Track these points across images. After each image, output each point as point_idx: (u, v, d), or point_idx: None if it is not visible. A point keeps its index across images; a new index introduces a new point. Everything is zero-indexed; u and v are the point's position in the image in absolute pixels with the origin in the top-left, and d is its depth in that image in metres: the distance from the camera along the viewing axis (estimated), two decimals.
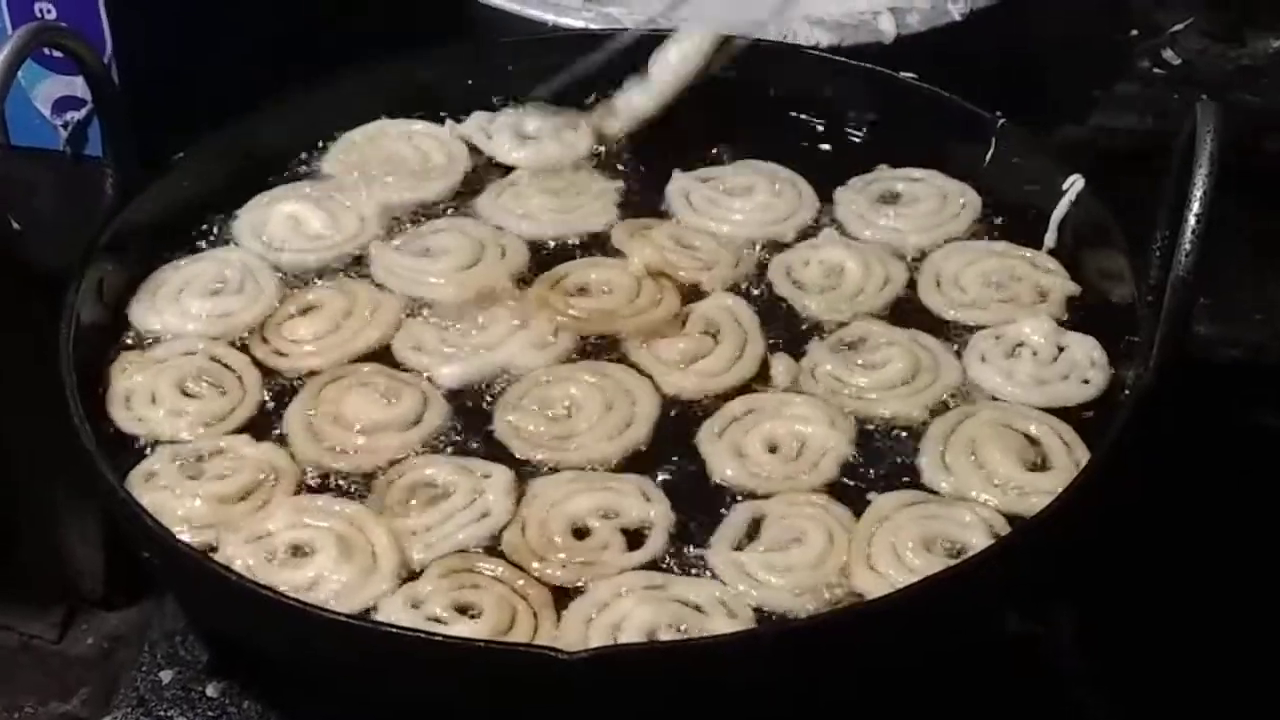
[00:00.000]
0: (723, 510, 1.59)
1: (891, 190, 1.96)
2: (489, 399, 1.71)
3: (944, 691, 1.62)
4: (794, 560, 1.54)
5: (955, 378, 1.71)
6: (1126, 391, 1.64)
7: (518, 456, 1.64)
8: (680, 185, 1.96)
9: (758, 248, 1.88)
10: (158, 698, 1.70)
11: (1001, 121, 1.94)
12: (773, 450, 1.64)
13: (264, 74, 1.99)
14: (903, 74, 2.02)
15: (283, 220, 1.90)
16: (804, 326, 1.79)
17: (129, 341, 1.76)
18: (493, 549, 1.56)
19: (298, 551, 1.53)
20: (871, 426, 1.67)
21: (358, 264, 1.86)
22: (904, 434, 1.67)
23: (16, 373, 1.81)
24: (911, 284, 1.84)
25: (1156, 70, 2.50)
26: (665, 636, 1.46)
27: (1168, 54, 2.52)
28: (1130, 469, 1.57)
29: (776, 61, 2.09)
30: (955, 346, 1.75)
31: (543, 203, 1.93)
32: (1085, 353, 1.72)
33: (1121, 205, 1.80)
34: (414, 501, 1.59)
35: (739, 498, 1.60)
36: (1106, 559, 1.82)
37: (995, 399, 1.69)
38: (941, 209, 1.92)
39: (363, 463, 1.63)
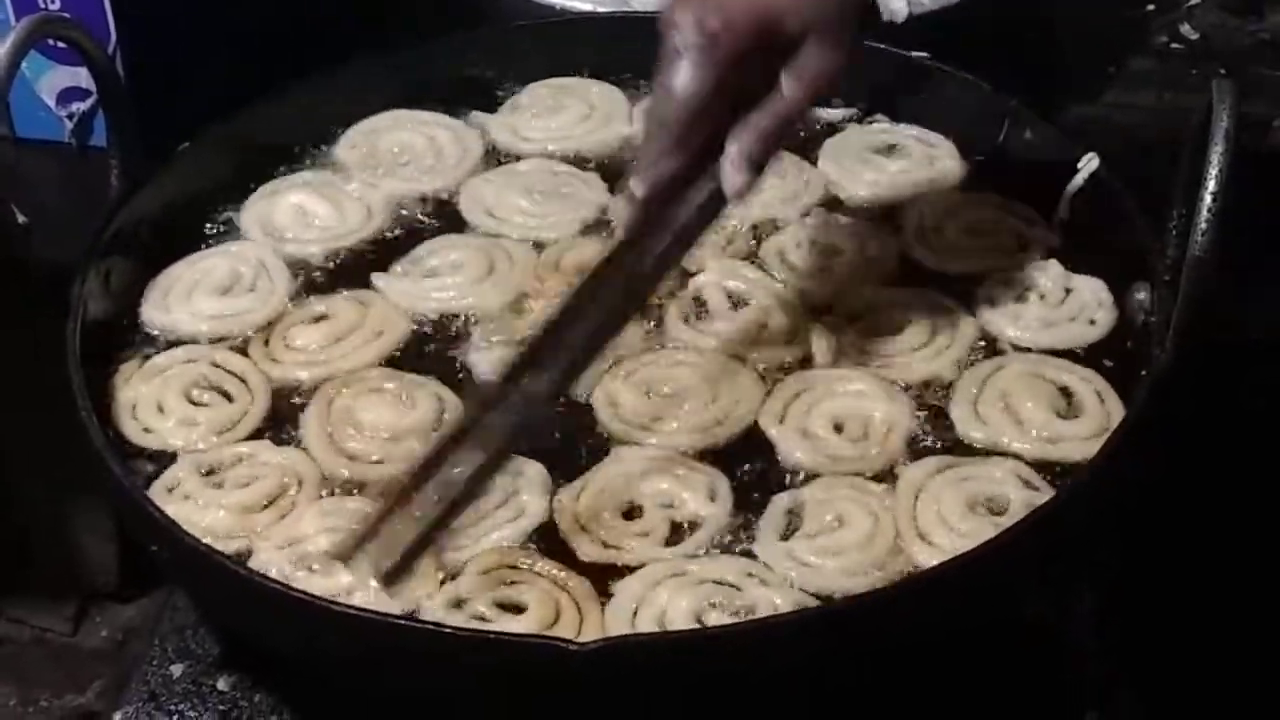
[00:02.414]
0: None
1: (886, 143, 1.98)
2: None
3: (961, 672, 1.61)
4: (844, 542, 1.53)
5: (973, 330, 1.72)
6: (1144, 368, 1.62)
7: (602, 428, 1.64)
8: None
9: (753, 227, 1.87)
10: (168, 692, 1.69)
11: (1015, 101, 1.93)
12: (838, 429, 1.64)
13: (269, 64, 1.98)
14: (915, 53, 2.00)
15: (288, 210, 1.89)
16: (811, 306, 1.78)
17: (132, 347, 1.74)
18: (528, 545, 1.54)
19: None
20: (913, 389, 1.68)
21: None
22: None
23: (24, 367, 1.80)
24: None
25: (1173, 45, 2.48)
26: (713, 617, 1.46)
27: (1184, 29, 2.50)
28: (1150, 449, 1.56)
29: None
30: (963, 302, 1.76)
31: (516, 201, 1.91)
32: (1093, 294, 1.75)
33: (1137, 183, 1.78)
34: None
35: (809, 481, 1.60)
36: (1126, 538, 1.81)
37: (1001, 340, 1.72)
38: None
39: (390, 473, 1.59)
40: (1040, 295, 1.75)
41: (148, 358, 1.72)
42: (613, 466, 1.59)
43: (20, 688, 2.13)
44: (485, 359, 1.71)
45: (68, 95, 1.98)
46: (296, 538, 1.53)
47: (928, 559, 1.52)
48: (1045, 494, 1.55)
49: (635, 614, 1.47)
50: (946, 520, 1.54)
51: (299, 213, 1.89)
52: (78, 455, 1.58)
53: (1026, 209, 1.87)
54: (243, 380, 1.69)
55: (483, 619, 1.46)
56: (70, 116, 1.99)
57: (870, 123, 2.01)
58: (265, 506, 1.57)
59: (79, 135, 2.00)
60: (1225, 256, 1.52)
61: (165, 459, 1.63)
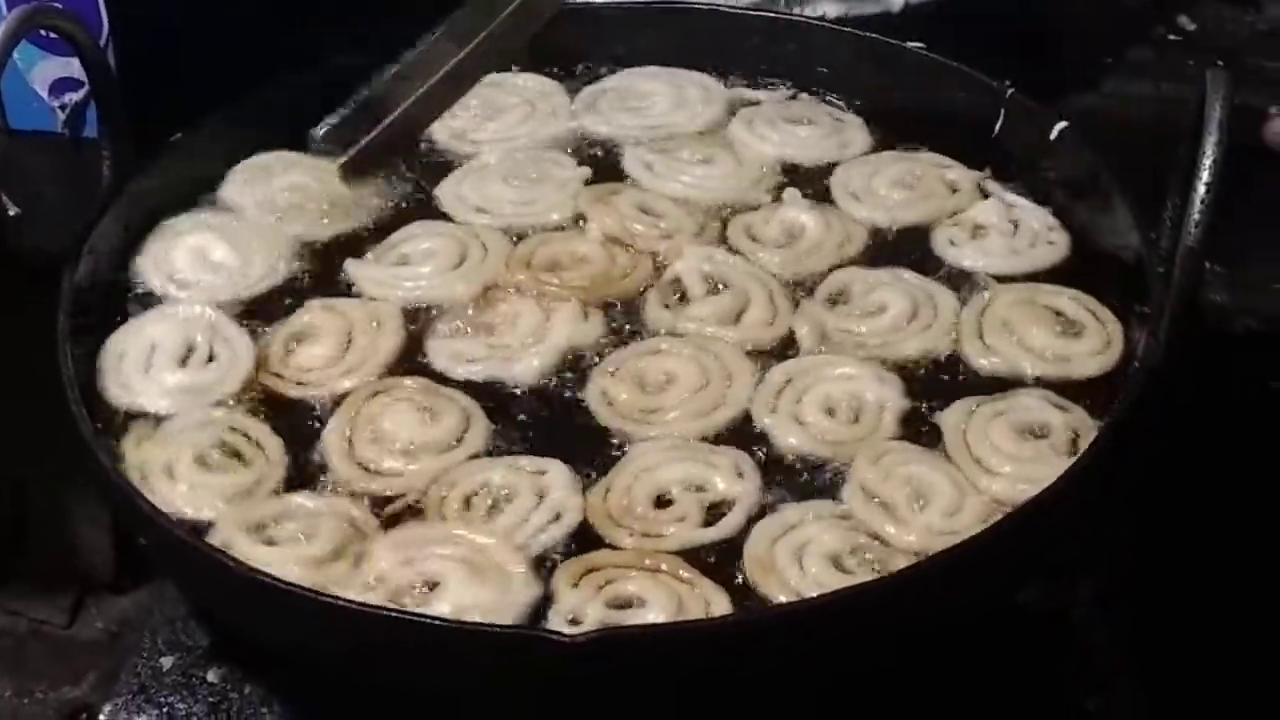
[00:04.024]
0: (803, 480, 1.58)
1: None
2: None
3: (965, 660, 1.62)
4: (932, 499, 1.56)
5: (951, 300, 1.76)
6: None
7: (601, 425, 1.63)
8: (638, 155, 1.95)
9: (724, 212, 1.88)
10: (158, 684, 1.68)
11: (1011, 91, 1.92)
12: (830, 413, 1.64)
13: (261, 55, 1.97)
14: (910, 43, 2.00)
15: (187, 254, 1.81)
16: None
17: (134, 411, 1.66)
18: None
19: (427, 586, 1.48)
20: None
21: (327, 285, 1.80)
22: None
23: (17, 358, 1.80)
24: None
25: (1171, 36, 2.47)
26: (850, 563, 1.49)
27: (1182, 19, 2.49)
28: (1144, 437, 1.56)
29: (782, 32, 2.07)
30: (918, 253, 1.82)
31: (501, 192, 1.90)
32: (1040, 220, 1.84)
33: (1134, 174, 1.78)
34: (473, 509, 1.55)
35: (815, 468, 1.59)
36: (1125, 527, 1.81)
37: (978, 274, 1.78)
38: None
39: (404, 485, 1.58)
40: (994, 229, 1.83)
41: (161, 422, 1.64)
42: (634, 461, 1.59)
43: (16, 679, 2.13)
44: (446, 349, 1.71)
45: (60, 86, 1.98)
46: (383, 576, 1.49)
47: (1003, 489, 1.55)
48: (1079, 412, 1.60)
49: (777, 540, 1.51)
50: (1002, 449, 1.58)
51: (199, 256, 1.80)
52: (71, 445, 1.57)
53: (940, 157, 1.93)
54: (258, 445, 1.61)
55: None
56: (62, 107, 1.99)
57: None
58: (335, 557, 1.50)
59: (71, 126, 1.99)
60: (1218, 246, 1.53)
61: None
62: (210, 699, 1.67)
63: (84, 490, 2.08)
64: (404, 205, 1.90)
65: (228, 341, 1.71)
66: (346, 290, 1.79)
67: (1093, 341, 1.69)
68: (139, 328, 1.73)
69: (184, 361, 1.69)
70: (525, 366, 1.68)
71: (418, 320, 1.75)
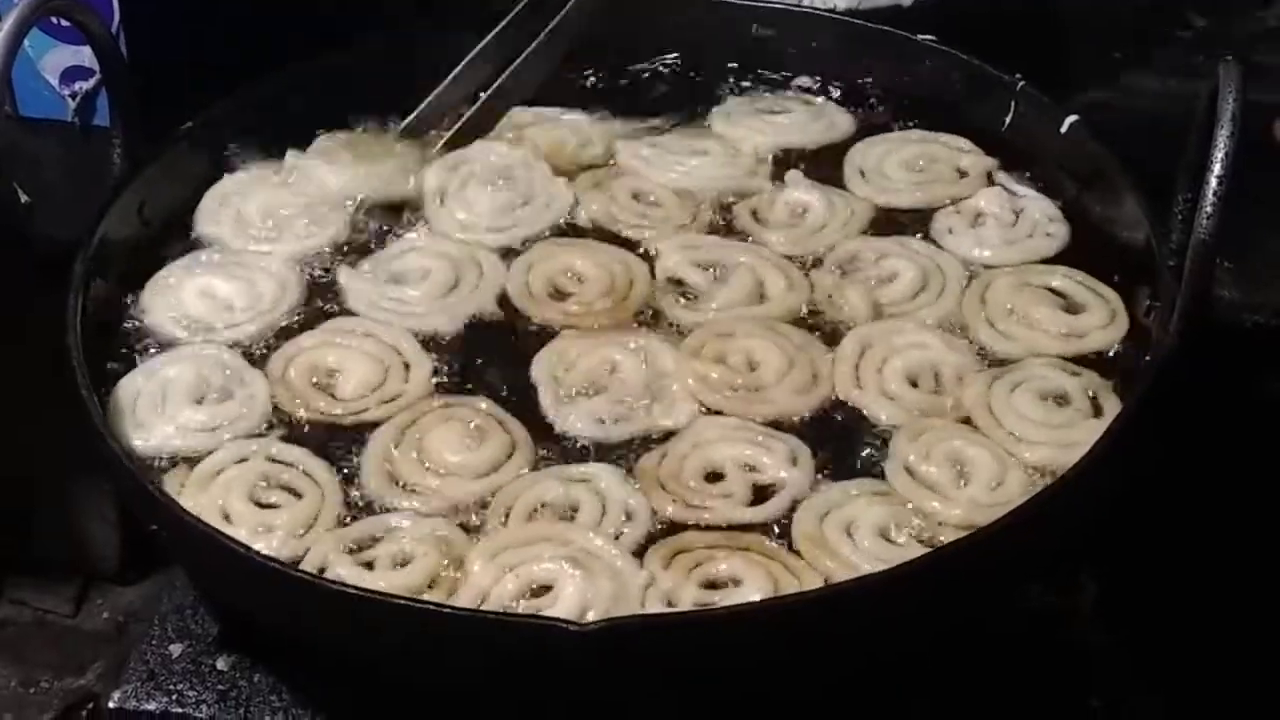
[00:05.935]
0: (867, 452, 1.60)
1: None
2: None
3: (969, 659, 1.62)
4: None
5: (958, 265, 1.78)
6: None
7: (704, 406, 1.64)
8: (633, 148, 1.94)
9: (725, 199, 1.88)
10: (167, 671, 1.68)
11: (1021, 84, 1.92)
12: (912, 384, 1.65)
13: (272, 44, 1.98)
14: (921, 36, 2.00)
15: (197, 298, 1.74)
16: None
17: (170, 459, 1.60)
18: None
19: (538, 591, 1.47)
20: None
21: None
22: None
23: (28, 346, 1.80)
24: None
25: (1180, 32, 2.47)
26: (899, 538, 1.51)
27: (1191, 15, 2.49)
28: (1157, 430, 1.56)
29: (793, 25, 2.06)
30: (919, 235, 1.84)
31: (492, 203, 1.86)
32: (1042, 211, 1.84)
33: (1143, 169, 1.77)
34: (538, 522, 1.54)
35: (887, 437, 1.61)
36: (1126, 528, 1.81)
37: (972, 263, 1.79)
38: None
39: (431, 504, 1.56)
40: (994, 218, 1.83)
41: (193, 463, 1.59)
42: (694, 433, 1.60)
43: (21, 669, 2.14)
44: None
45: (71, 74, 1.98)
46: (484, 591, 1.47)
47: (1038, 458, 1.57)
48: (1090, 375, 1.63)
49: (825, 516, 1.52)
50: (1030, 417, 1.60)
51: (209, 298, 1.75)
52: (79, 436, 1.57)
53: (958, 139, 1.94)
54: (306, 473, 1.58)
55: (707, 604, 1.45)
56: (73, 96, 1.99)
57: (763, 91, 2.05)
58: (430, 586, 1.48)
59: (82, 115, 1.99)
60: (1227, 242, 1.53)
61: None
62: (219, 687, 1.66)
63: (90, 481, 2.08)
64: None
65: (245, 380, 1.66)
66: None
67: (1099, 315, 1.70)
68: (152, 370, 1.67)
69: (200, 401, 1.64)
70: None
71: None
